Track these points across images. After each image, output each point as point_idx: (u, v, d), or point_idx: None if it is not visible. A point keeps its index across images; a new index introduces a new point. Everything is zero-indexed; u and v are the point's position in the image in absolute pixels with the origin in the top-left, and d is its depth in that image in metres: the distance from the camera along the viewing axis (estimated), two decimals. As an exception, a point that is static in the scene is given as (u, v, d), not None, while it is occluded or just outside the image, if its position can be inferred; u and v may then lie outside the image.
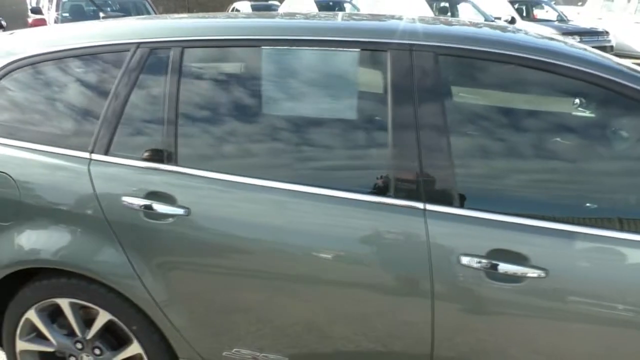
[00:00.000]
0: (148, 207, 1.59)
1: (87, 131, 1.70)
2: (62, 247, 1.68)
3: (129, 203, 1.61)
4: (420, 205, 1.45)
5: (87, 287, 1.73)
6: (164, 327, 1.69)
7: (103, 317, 1.76)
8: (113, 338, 1.89)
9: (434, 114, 1.47)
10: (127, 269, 1.64)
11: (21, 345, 1.89)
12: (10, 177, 1.72)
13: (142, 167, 1.64)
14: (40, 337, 1.91)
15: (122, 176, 1.64)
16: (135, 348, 1.77)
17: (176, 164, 1.62)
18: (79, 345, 1.86)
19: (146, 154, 1.64)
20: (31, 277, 1.81)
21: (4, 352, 2.22)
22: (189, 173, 1.60)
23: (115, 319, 1.74)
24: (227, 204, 1.56)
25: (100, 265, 1.66)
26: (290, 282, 1.54)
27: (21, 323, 1.85)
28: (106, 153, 1.68)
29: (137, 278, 1.64)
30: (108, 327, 1.81)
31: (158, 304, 1.65)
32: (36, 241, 1.71)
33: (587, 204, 1.45)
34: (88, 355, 1.87)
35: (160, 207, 1.58)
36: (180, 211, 1.57)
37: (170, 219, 1.58)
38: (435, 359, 1.51)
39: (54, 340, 1.86)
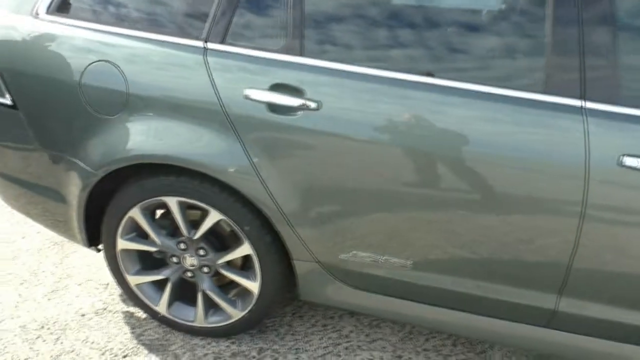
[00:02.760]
0: (273, 101, 1.49)
1: (200, 16, 1.57)
2: (173, 143, 1.59)
3: (252, 96, 1.50)
4: (578, 103, 1.35)
5: (198, 186, 1.66)
6: (281, 229, 1.63)
7: (213, 217, 1.70)
8: (216, 239, 1.85)
9: (599, 1, 1.33)
10: (246, 167, 1.56)
11: (122, 244, 1.85)
12: (117, 66, 1.60)
13: (265, 58, 1.51)
14: (140, 236, 1.87)
15: (243, 67, 1.52)
16: (245, 249, 1.72)
17: (303, 55, 1.49)
18: (182, 246, 1.82)
19: (268, 43, 1.52)
20: (135, 173, 1.74)
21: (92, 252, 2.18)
22: (320, 65, 1.48)
23: (227, 219, 1.68)
24: (363, 100, 1.45)
25: (216, 162, 1.57)
26: (427, 188, 1.46)
27: (124, 221, 1.80)
28: (222, 42, 1.55)
29: (256, 177, 1.56)
30: (212, 228, 1.76)
31: (278, 205, 1.58)
32: (145, 136, 1.61)
33: None
34: (192, 256, 1.83)
35: (287, 101, 1.48)
36: (311, 105, 1.46)
37: (298, 114, 1.48)
38: (574, 269, 1.45)
39: (158, 239, 1.82)
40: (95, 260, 2.40)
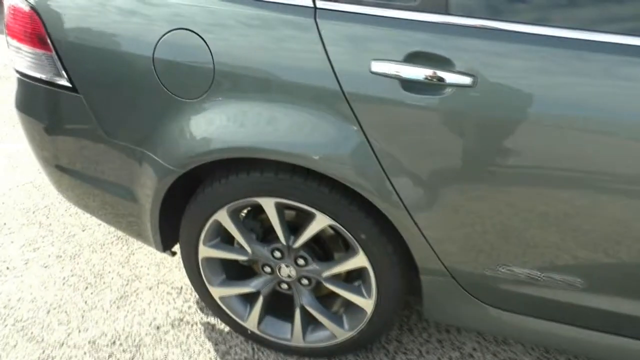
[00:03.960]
0: (411, 76, 1.12)
1: (305, -33, 1.20)
2: (273, 132, 1.25)
3: (381, 70, 1.14)
4: None
5: (302, 184, 1.32)
6: (409, 237, 1.29)
7: (320, 222, 1.37)
8: (317, 246, 1.53)
9: None
10: (367, 161, 1.21)
11: (205, 251, 1.55)
12: (199, 36, 1.26)
13: (397, 19, 1.14)
14: (224, 241, 1.57)
15: (367, 32, 1.16)
16: (359, 260, 1.39)
17: (449, 13, 1.11)
18: (277, 254, 1.50)
19: (400, -3, 1.14)
20: (222, 169, 1.42)
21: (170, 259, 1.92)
22: (473, 25, 1.09)
23: (337, 225, 1.35)
24: (535, 70, 1.06)
25: (328, 155, 1.23)
26: (625, 185, 1.08)
27: (207, 226, 1.49)
28: (337, -1, 1.19)
29: (381, 173, 1.21)
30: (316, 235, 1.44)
31: (407, 207, 1.24)
32: (236, 124, 1.28)
33: None
34: (288, 266, 1.52)
35: (431, 75, 1.11)
36: (465, 80, 1.09)
37: (446, 92, 1.11)
38: None
39: (249, 247, 1.51)
40: (163, 258, 2.13)
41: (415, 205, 1.24)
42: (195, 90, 1.30)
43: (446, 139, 1.14)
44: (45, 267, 2.09)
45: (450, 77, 1.09)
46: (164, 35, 1.28)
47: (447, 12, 1.11)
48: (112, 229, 2.32)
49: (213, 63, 1.26)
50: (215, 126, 1.30)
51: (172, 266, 2.08)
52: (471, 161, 1.15)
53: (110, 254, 2.17)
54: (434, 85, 1.11)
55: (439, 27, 1.11)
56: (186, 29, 1.27)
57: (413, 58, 1.12)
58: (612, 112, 1.02)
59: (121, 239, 2.26)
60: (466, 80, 1.08)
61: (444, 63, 1.10)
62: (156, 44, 1.29)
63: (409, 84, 1.13)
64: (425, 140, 1.16)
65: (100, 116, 1.46)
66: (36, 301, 1.90)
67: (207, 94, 1.29)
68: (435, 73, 1.10)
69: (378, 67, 1.14)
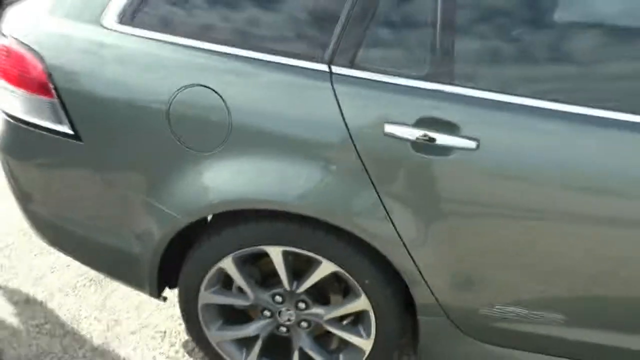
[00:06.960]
0: (423, 138, 1.23)
1: (321, 33, 1.30)
2: (285, 185, 1.32)
3: (394, 132, 1.25)
4: None
5: (310, 235, 1.40)
6: (412, 284, 1.39)
7: (325, 269, 1.45)
8: (317, 291, 1.60)
9: None
10: (378, 215, 1.30)
11: (206, 297, 1.57)
12: (217, 93, 1.32)
13: (408, 86, 1.26)
14: (225, 288, 1.60)
15: (382, 97, 1.26)
16: (361, 304, 1.48)
17: (454, 83, 1.24)
18: (278, 299, 1.56)
19: (410, 67, 1.26)
20: (228, 218, 1.47)
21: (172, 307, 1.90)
22: (477, 96, 1.23)
23: (343, 272, 1.43)
24: (533, 138, 1.21)
25: (342, 209, 1.32)
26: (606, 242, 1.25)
27: (211, 273, 1.52)
28: (352, 65, 1.29)
29: (391, 226, 1.31)
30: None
31: (413, 258, 1.34)
32: (251, 177, 1.34)
33: None
34: (288, 310, 1.57)
35: (442, 138, 1.23)
36: (470, 144, 1.22)
37: (453, 154, 1.23)
38: None
39: (252, 294, 1.55)
40: (141, 301, 2.10)
41: (423, 258, 1.34)
42: (209, 144, 1.35)
43: (451, 197, 1.27)
44: (14, 314, 2.01)
45: (456, 142, 1.22)
46: (180, 90, 1.33)
47: (452, 83, 1.24)
48: (82, 270, 2.26)
49: (230, 119, 1.31)
50: (228, 179, 1.35)
51: (152, 309, 2.06)
52: (477, 218, 1.28)
53: (85, 297, 2.11)
54: (443, 148, 1.23)
55: (447, 95, 1.24)
56: (203, 86, 1.32)
57: (423, 122, 1.24)
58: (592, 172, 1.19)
59: (94, 281, 2.21)
60: (471, 144, 1.21)
61: (451, 128, 1.23)
62: (172, 98, 1.33)
63: (418, 146, 1.24)
64: (433, 197, 1.27)
65: (102, 165, 1.47)
66: (6, 353, 1.82)
67: (221, 148, 1.34)
68: (456, 140, 1.22)
69: (392, 129, 1.24)
